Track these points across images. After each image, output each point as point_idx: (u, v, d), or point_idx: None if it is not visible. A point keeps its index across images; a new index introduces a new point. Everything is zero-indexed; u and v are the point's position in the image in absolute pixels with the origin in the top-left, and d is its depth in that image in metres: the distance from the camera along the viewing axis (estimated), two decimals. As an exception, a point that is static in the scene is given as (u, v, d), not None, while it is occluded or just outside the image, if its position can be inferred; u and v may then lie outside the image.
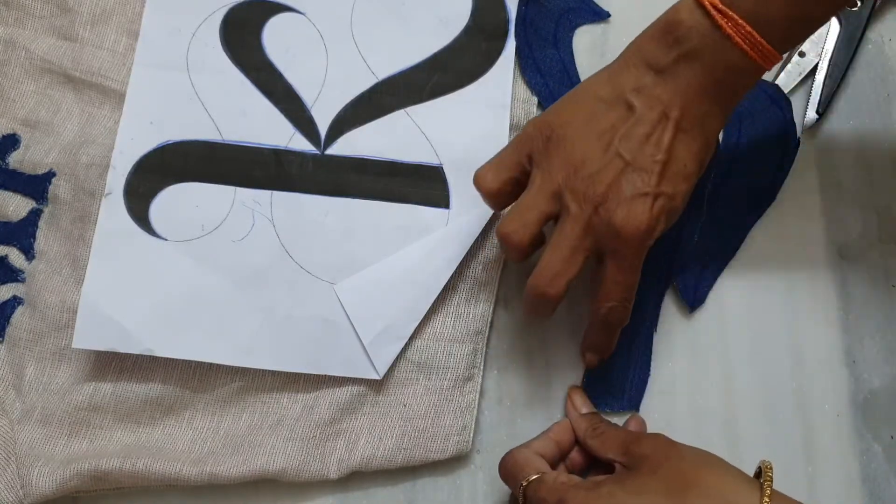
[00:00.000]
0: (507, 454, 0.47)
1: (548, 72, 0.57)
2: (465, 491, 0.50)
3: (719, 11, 0.42)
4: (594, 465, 0.48)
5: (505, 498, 0.50)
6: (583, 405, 0.50)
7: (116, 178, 0.52)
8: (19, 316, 0.52)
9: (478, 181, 0.48)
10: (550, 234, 0.46)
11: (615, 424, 0.49)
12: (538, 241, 0.47)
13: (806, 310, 0.54)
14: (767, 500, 0.39)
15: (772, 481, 0.40)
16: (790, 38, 0.45)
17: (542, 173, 0.46)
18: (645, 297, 0.52)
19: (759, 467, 0.42)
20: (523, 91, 0.57)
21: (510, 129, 0.55)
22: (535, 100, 0.57)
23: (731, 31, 0.42)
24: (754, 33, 0.42)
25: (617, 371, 0.52)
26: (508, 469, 0.46)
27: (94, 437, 0.50)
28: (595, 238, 0.45)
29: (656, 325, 0.53)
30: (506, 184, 0.47)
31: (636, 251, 0.45)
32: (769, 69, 0.44)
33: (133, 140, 0.53)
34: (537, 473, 0.44)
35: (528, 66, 0.57)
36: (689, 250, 0.54)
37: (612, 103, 0.45)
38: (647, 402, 0.52)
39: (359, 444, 0.50)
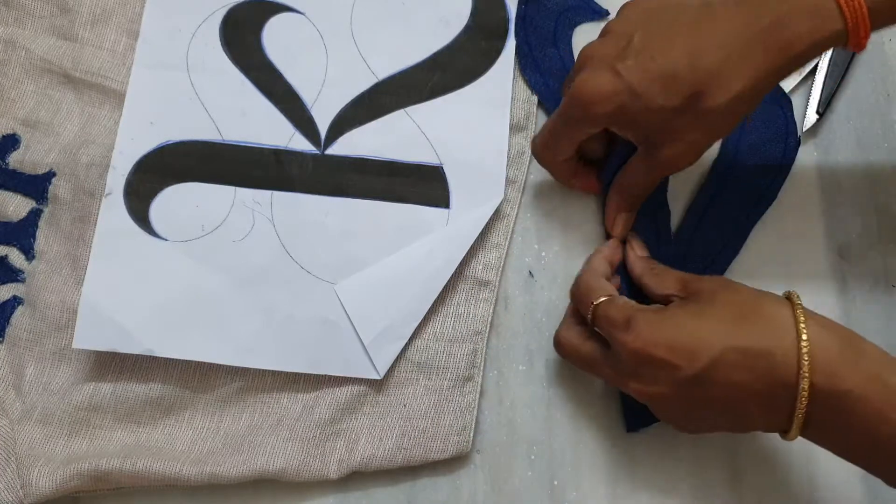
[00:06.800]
0: (578, 278, 0.50)
1: (547, 71, 0.57)
2: (465, 491, 0.50)
3: None
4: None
5: (505, 498, 0.50)
6: (640, 249, 0.52)
7: (116, 178, 0.53)
8: (19, 316, 0.52)
9: None
10: None
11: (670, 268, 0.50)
12: None
13: (806, 310, 0.53)
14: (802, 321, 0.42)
15: (801, 304, 0.43)
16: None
17: None
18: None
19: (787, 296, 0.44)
20: (523, 90, 0.57)
21: (510, 129, 0.55)
22: (535, 99, 0.56)
23: None
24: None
25: None
26: (581, 290, 0.49)
27: (94, 437, 0.50)
28: None
29: None
30: None
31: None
32: (853, 47, 0.44)
33: (133, 140, 0.53)
34: (607, 296, 0.47)
35: (527, 65, 0.57)
36: (689, 252, 0.53)
37: None
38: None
39: (359, 444, 0.50)
